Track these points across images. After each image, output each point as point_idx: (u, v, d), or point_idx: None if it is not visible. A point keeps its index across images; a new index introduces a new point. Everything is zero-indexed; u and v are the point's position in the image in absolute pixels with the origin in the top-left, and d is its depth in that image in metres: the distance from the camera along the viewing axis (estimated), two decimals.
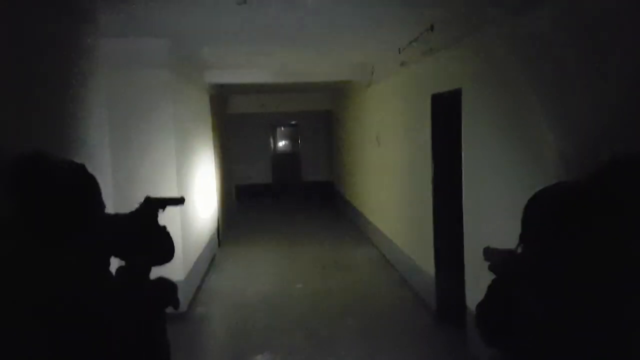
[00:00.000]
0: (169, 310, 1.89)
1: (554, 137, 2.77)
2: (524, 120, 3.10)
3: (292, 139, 15.61)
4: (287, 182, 14.60)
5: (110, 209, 2.03)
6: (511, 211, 3.42)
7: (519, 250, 1.23)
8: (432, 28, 4.57)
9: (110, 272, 1.73)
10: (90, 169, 1.71)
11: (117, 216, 1.95)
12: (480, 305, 1.30)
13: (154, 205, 2.08)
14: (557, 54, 2.71)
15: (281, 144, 15.69)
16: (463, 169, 4.10)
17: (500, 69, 3.39)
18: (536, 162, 2.98)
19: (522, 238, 1.22)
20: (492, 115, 3.55)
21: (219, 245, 7.94)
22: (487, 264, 1.66)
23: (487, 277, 1.67)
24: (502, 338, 1.26)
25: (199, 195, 6.48)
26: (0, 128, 1.94)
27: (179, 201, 2.23)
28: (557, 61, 2.71)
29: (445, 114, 4.52)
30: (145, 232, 1.99)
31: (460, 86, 4.05)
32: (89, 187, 1.64)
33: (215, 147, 8.11)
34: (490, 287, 1.32)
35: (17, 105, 2.11)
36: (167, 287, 1.85)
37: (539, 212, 1.16)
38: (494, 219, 3.56)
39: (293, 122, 14.88)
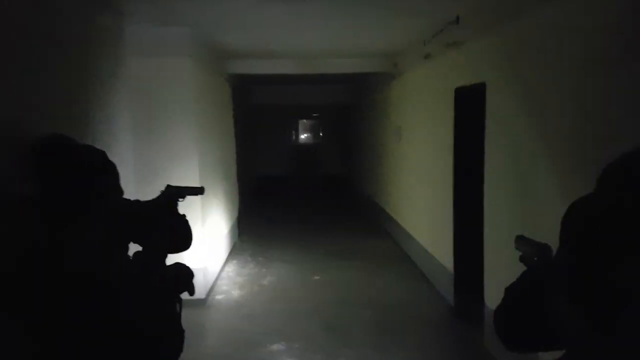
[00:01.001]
0: (187, 297, 1.91)
1: (584, 135, 2.71)
2: (551, 116, 3.04)
3: (314, 131, 15.63)
4: (307, 174, 14.65)
5: (131, 195, 2.06)
6: (535, 209, 3.38)
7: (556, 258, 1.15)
8: (457, 20, 4.50)
9: (128, 257, 1.75)
10: (112, 155, 1.73)
11: (137, 202, 1.98)
12: (499, 309, 1.25)
13: (174, 193, 2.11)
14: (593, 47, 2.64)
15: (302, 136, 15.72)
16: (485, 164, 4.04)
17: (528, 63, 3.32)
18: (562, 159, 2.92)
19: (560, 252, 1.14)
20: (518, 110, 3.49)
21: (238, 234, 8.02)
22: (503, 261, 1.61)
23: (506, 274, 1.64)
24: (526, 342, 1.21)
25: (219, 185, 6.54)
26: (26, 110, 1.98)
27: (199, 191, 2.26)
28: (592, 54, 2.64)
29: (469, 108, 4.47)
30: (165, 220, 2.02)
31: (484, 80, 3.98)
32: (109, 172, 1.67)
33: (236, 137, 8.16)
34: (509, 290, 1.26)
35: (43, 89, 2.15)
36: (183, 273, 1.87)
37: (576, 229, 1.08)
38: (516, 216, 3.51)
39: (315, 115, 14.89)
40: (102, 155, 1.66)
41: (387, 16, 4.63)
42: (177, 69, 5.00)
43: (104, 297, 1.42)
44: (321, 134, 15.17)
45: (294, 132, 15.27)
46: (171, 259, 1.90)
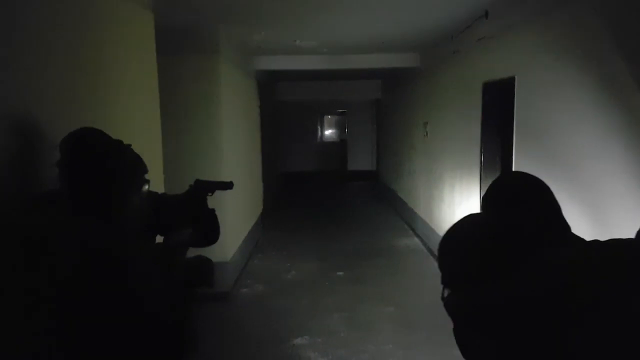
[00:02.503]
0: (211, 290, 1.91)
1: (617, 131, 2.65)
2: (582, 111, 2.98)
3: (340, 127, 15.58)
4: (332, 171, 14.63)
5: (160, 189, 2.10)
6: (566, 207, 3.30)
7: (444, 294, 1.17)
8: (486, 15, 4.44)
9: (153, 249, 1.77)
10: (142, 150, 1.76)
11: (165, 195, 2.01)
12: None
13: (204, 188, 2.13)
14: (622, 40, 2.57)
15: (328, 132, 15.69)
16: (513, 159, 3.98)
17: (559, 56, 3.25)
18: (594, 156, 2.85)
19: (446, 282, 1.15)
20: (548, 104, 3.42)
21: (263, 230, 8.08)
22: None
23: None
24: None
25: (245, 180, 6.60)
26: (56, 108, 2.03)
27: (228, 186, 2.28)
28: (622, 47, 2.58)
29: (497, 103, 4.41)
30: (195, 214, 2.05)
31: (513, 74, 3.92)
32: (135, 165, 1.69)
33: (262, 133, 8.21)
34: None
35: (72, 86, 2.21)
36: (203, 265, 1.87)
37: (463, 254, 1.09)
38: None
39: (341, 111, 14.85)
40: (128, 148, 1.69)
41: (415, 11, 4.59)
42: (205, 65, 5.06)
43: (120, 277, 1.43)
44: (346, 130, 15.12)
45: (319, 128, 15.24)
46: (196, 251, 1.92)
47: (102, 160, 1.56)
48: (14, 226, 1.53)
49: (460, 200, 5.46)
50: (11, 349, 1.40)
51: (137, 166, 1.69)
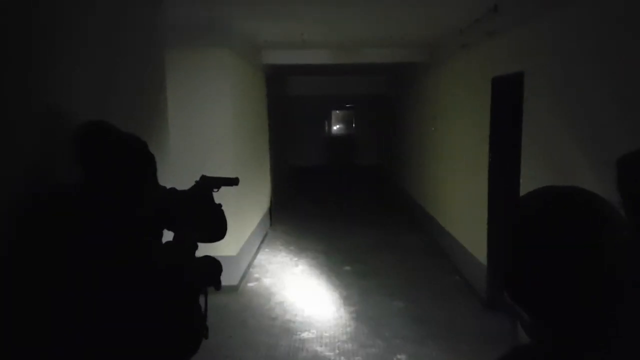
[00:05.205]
0: (218, 291, 1.92)
1: (626, 127, 2.62)
2: (592, 106, 2.94)
3: (347, 122, 15.55)
4: (340, 165, 14.62)
5: (167, 183, 2.10)
6: None
7: None
8: (495, 8, 4.40)
9: (161, 245, 1.78)
10: (150, 143, 1.76)
11: (173, 190, 2.01)
12: None
13: (210, 184, 2.13)
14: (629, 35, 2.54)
15: (336, 127, 15.68)
16: (522, 155, 3.95)
17: (568, 51, 3.22)
18: (603, 151, 2.82)
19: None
20: (557, 99, 3.39)
21: (271, 224, 8.09)
22: None
23: None
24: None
25: (253, 174, 6.61)
26: (67, 99, 2.04)
27: (234, 182, 2.27)
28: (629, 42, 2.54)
29: (506, 98, 4.37)
30: (201, 210, 2.05)
31: (522, 69, 3.88)
32: (148, 159, 1.69)
33: (270, 127, 8.21)
34: None
35: (83, 79, 2.21)
36: (210, 266, 1.87)
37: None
38: None
39: (349, 105, 14.82)
40: (144, 144, 1.70)
41: (424, 4, 4.55)
42: (214, 59, 5.06)
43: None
44: (354, 125, 15.09)
45: (327, 122, 15.22)
46: (204, 247, 1.92)
47: (116, 153, 1.58)
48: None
49: (467, 194, 5.43)
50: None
51: (147, 157, 1.70)
